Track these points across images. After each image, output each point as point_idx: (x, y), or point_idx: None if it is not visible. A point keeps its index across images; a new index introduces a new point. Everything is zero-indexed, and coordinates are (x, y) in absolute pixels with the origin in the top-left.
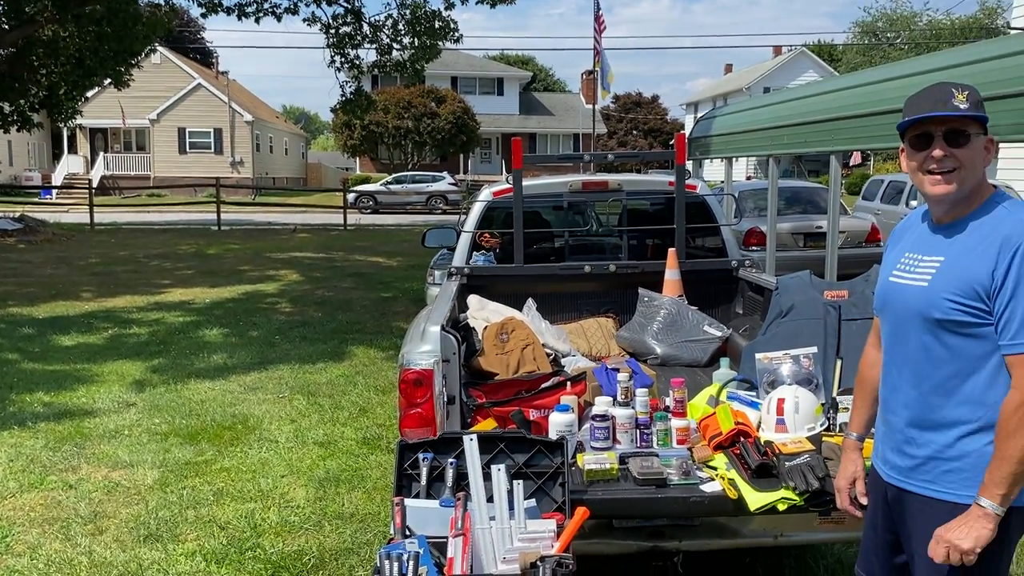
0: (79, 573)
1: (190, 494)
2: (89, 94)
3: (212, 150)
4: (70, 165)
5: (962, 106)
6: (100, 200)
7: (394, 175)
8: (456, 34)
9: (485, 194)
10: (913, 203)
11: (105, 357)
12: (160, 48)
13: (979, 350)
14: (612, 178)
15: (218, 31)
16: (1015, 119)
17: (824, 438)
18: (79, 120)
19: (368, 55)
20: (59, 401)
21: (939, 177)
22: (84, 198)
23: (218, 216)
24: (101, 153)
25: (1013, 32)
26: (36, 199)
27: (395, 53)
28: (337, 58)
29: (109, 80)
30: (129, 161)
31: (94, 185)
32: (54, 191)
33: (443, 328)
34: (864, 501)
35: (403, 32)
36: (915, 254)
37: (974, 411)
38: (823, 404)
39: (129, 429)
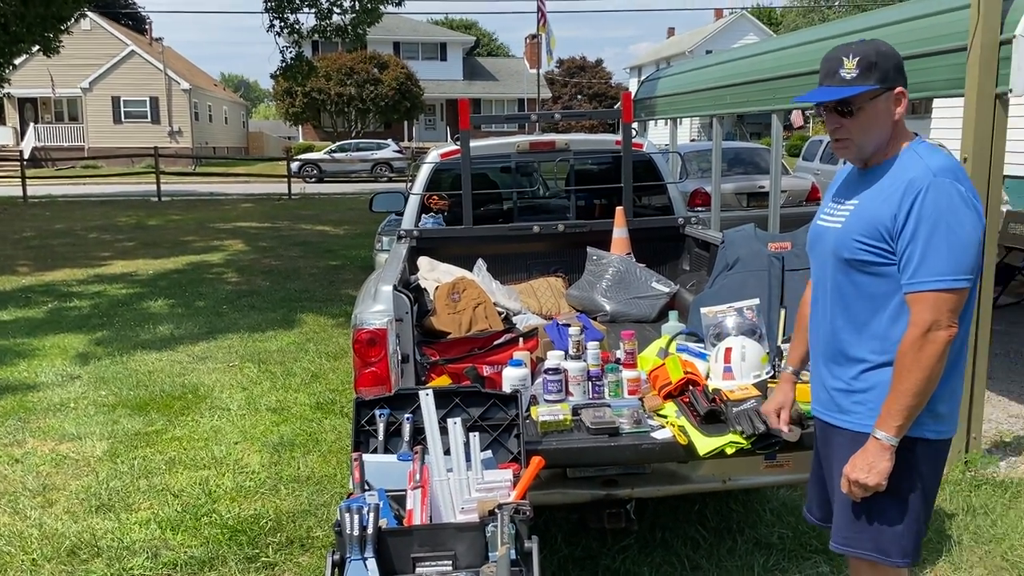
0: (30, 544)
1: (141, 464)
2: (16, 61)
3: (149, 119)
4: None
5: (848, 76)
6: (32, 172)
7: (338, 143)
8: None
9: (433, 156)
10: None
11: (46, 331)
12: (90, 14)
13: (884, 288)
14: (560, 138)
15: None
16: (949, 74)
17: (769, 384)
18: (7, 89)
19: (308, 19)
20: None
21: (837, 142)
22: (15, 171)
23: (158, 187)
24: (31, 124)
25: None
26: None
27: (335, 17)
28: (276, 22)
29: (37, 47)
30: (61, 132)
31: (25, 157)
32: None
33: (395, 288)
34: (786, 430)
35: None
36: (840, 199)
37: (880, 346)
38: (768, 353)
39: (75, 402)
